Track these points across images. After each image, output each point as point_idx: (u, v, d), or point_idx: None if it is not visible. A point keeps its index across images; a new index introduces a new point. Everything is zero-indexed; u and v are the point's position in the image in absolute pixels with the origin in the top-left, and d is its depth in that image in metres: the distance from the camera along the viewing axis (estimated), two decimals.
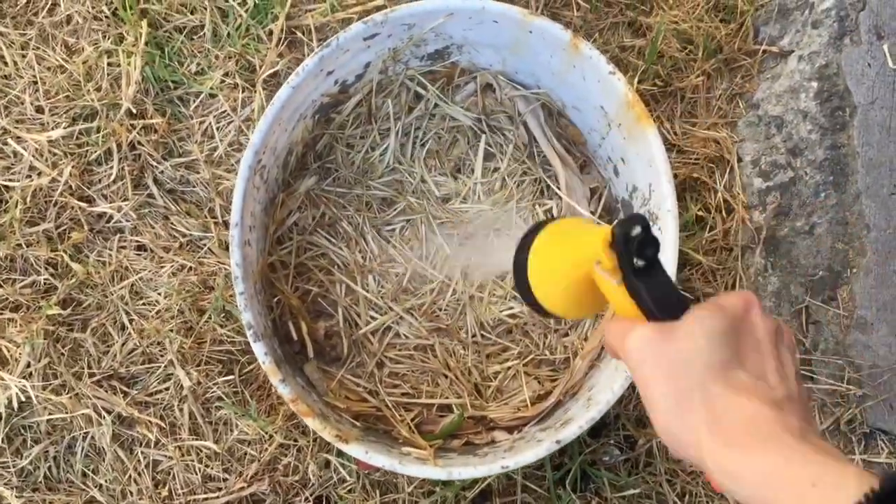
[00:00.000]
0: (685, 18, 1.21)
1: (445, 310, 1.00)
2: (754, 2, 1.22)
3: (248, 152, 0.84)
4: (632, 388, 1.10)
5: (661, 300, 0.53)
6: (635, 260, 0.53)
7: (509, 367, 0.96)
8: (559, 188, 1.00)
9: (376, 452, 0.77)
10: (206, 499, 1.07)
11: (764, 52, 1.19)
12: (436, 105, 1.02)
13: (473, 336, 0.98)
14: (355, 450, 0.77)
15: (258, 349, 0.79)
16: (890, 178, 1.04)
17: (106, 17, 1.16)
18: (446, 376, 0.96)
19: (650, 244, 0.53)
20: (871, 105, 1.06)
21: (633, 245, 0.52)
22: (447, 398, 0.94)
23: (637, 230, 0.53)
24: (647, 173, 0.89)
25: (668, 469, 1.09)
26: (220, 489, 1.08)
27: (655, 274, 0.54)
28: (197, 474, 1.08)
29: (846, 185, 1.05)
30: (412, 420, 0.91)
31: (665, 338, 0.50)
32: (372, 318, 0.97)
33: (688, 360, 0.48)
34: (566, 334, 0.99)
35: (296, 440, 1.08)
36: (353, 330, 0.97)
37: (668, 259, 0.84)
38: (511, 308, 0.99)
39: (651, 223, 0.90)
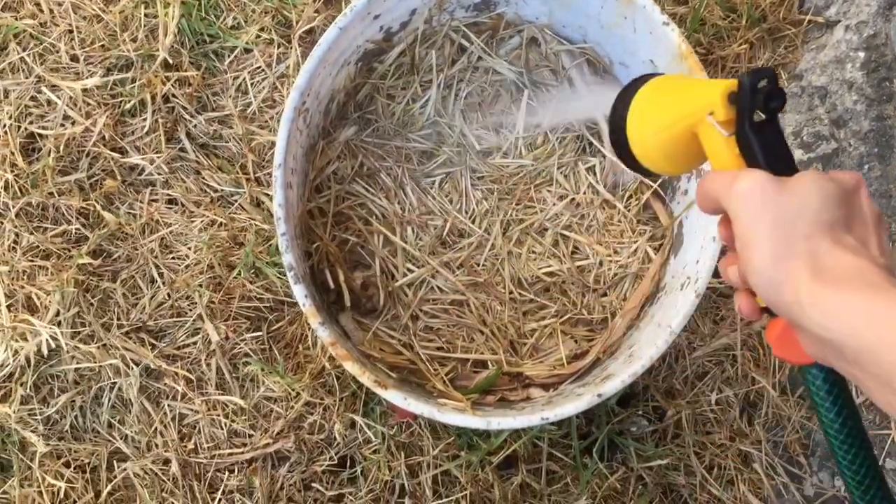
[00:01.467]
0: None
1: (483, 265, 0.99)
2: None
3: (294, 93, 0.83)
4: (662, 357, 1.10)
5: (775, 156, 0.53)
6: (756, 112, 0.52)
7: (546, 325, 0.95)
8: (602, 145, 0.99)
9: (415, 399, 0.76)
10: (231, 454, 1.07)
11: (809, 21, 1.17)
12: (479, 58, 1.01)
13: (510, 293, 0.97)
14: (394, 396, 0.76)
15: (298, 291, 0.78)
16: None
17: None
18: (482, 332, 0.95)
19: (777, 96, 0.53)
20: None
21: (760, 96, 0.52)
22: (482, 354, 0.93)
23: (765, 82, 0.52)
24: None
25: (696, 441, 1.08)
26: (245, 445, 1.08)
27: (772, 130, 0.53)
28: (223, 429, 1.07)
29: (891, 156, 1.03)
30: (447, 375, 0.90)
31: (779, 188, 0.49)
32: (409, 270, 0.96)
33: (799, 211, 0.48)
34: (604, 294, 0.97)
35: (322, 399, 1.07)
36: (390, 282, 0.96)
37: (714, 218, 0.82)
38: (549, 266, 0.98)
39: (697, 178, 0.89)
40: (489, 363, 0.92)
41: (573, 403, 0.77)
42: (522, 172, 1.01)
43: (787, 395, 1.05)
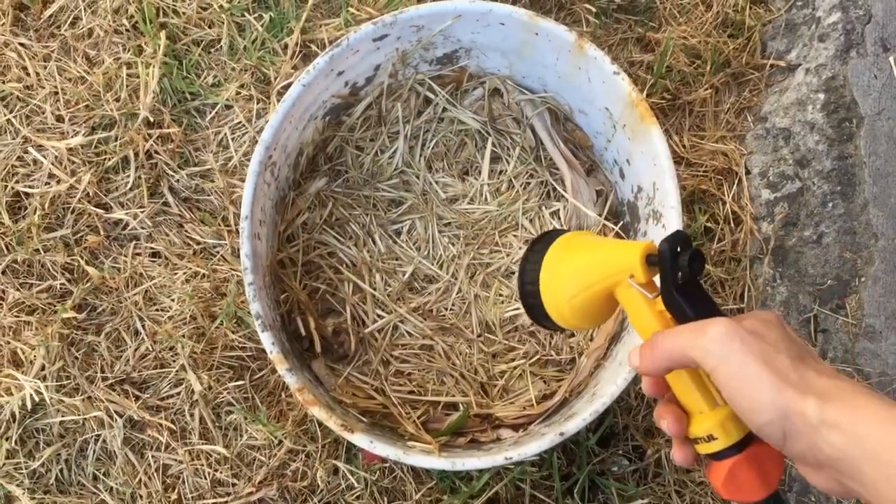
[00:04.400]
0: (693, 34, 1.23)
1: (451, 309, 1.01)
2: (762, 17, 1.23)
3: (259, 148, 0.86)
4: (641, 397, 1.11)
5: (702, 308, 0.54)
6: (679, 275, 0.54)
7: (515, 367, 0.97)
8: (565, 190, 1.02)
9: (381, 442, 0.78)
10: (214, 503, 1.08)
11: (772, 66, 1.21)
12: (444, 109, 1.04)
13: (479, 335, 0.99)
14: (360, 439, 0.78)
15: (266, 339, 0.80)
16: None
17: (126, 30, 1.20)
18: (452, 375, 0.97)
19: (697, 257, 0.54)
20: (878, 116, 1.06)
21: (682, 260, 0.54)
22: (453, 396, 0.95)
23: (684, 246, 0.54)
24: (652, 172, 0.90)
25: (676, 480, 1.08)
26: (228, 494, 1.08)
27: (694, 285, 0.55)
28: (206, 479, 1.08)
29: (853, 194, 1.06)
30: (418, 418, 0.91)
31: (742, 329, 0.50)
32: (379, 316, 0.99)
33: (775, 345, 0.50)
34: (572, 335, 0.99)
35: (304, 446, 1.08)
36: (361, 328, 0.98)
37: None
38: (517, 308, 1.00)
39: (655, 221, 0.91)
40: (460, 405, 0.94)
41: (536, 442, 0.78)
42: (488, 218, 1.04)
43: None
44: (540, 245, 0.66)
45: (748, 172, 1.17)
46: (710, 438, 0.54)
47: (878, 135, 1.06)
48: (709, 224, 1.16)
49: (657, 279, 0.56)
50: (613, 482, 1.07)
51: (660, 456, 1.09)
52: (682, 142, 1.21)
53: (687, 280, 0.54)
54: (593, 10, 1.22)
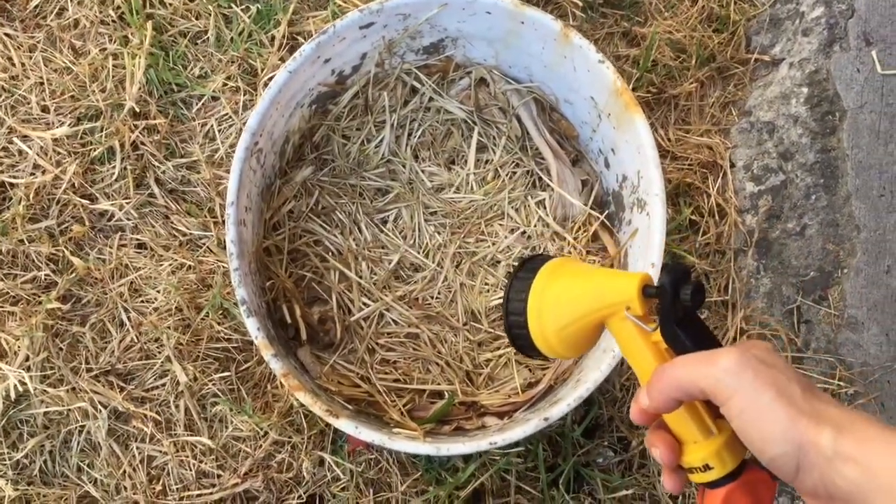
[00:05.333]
0: (679, 28, 1.24)
1: (437, 297, 1.01)
2: (746, 12, 1.24)
3: (245, 134, 0.86)
4: (626, 389, 1.12)
5: (702, 340, 0.53)
6: (680, 308, 0.53)
7: (500, 355, 0.97)
8: (551, 180, 1.02)
9: (366, 428, 0.78)
10: (199, 495, 1.07)
11: (756, 60, 1.21)
12: (431, 98, 1.05)
13: (465, 324, 0.99)
14: (345, 424, 0.78)
15: (251, 324, 0.80)
16: (879, 180, 1.05)
17: (113, 21, 1.19)
18: (438, 363, 0.97)
19: (699, 292, 0.53)
20: (861, 109, 1.07)
21: (684, 294, 0.52)
22: (438, 384, 0.95)
23: (685, 279, 0.53)
24: (636, 160, 0.90)
25: (661, 471, 1.09)
26: (213, 485, 1.08)
27: (694, 319, 0.54)
28: (191, 470, 1.08)
29: (836, 187, 1.07)
30: (404, 406, 0.91)
31: (754, 358, 0.50)
32: (364, 304, 0.99)
33: (786, 375, 0.49)
34: None
35: (290, 437, 1.08)
36: (347, 316, 0.98)
37: (656, 243, 0.85)
38: (502, 297, 1.00)
39: (639, 209, 0.92)
40: (445, 393, 0.94)
41: (521, 428, 0.79)
42: (474, 207, 1.04)
43: None
44: (525, 272, 0.63)
45: (732, 165, 1.18)
46: (706, 468, 0.54)
47: (861, 128, 1.07)
48: (693, 217, 1.16)
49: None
50: (598, 473, 1.08)
51: (644, 447, 1.09)
52: (668, 135, 1.21)
53: (687, 312, 0.54)
54: (580, 3, 1.23)
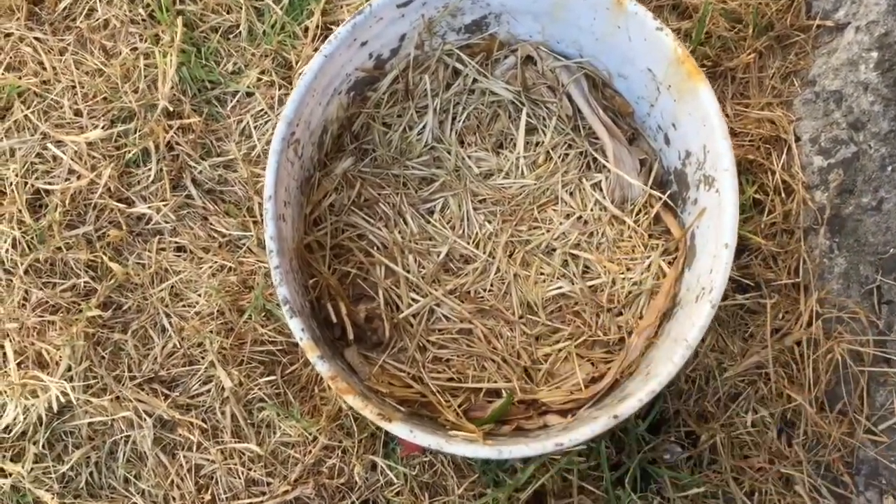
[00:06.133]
0: None
1: (490, 290, 0.96)
2: None
3: (280, 125, 0.82)
4: (692, 381, 1.05)
5: None
6: None
7: (560, 349, 0.91)
8: (607, 160, 0.96)
9: (421, 431, 0.73)
10: (249, 503, 1.04)
11: (818, 26, 1.14)
12: (475, 80, 0.99)
13: (520, 317, 0.94)
14: (399, 428, 0.73)
15: (294, 325, 0.76)
16: None
17: (143, 19, 1.16)
18: (493, 360, 0.91)
19: None
20: None
21: None
22: (495, 382, 0.89)
23: None
24: (701, 133, 0.84)
25: (734, 466, 1.02)
26: (263, 493, 1.04)
27: None
28: (240, 478, 1.04)
29: None
30: (459, 406, 0.86)
31: None
32: (413, 300, 0.94)
33: None
34: (620, 313, 0.94)
35: (340, 441, 1.04)
36: (395, 313, 0.93)
37: (728, 223, 0.78)
38: (560, 287, 0.94)
39: (707, 187, 0.85)
40: (503, 391, 0.88)
41: (588, 426, 0.73)
42: (525, 192, 0.98)
43: (825, 412, 1.00)
44: None
45: (798, 139, 1.10)
46: None
47: None
48: (757, 195, 1.09)
49: None
50: (666, 470, 1.02)
51: (715, 442, 1.03)
52: (726, 111, 1.14)
53: None
54: None
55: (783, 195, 1.09)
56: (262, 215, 1.07)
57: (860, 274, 1.00)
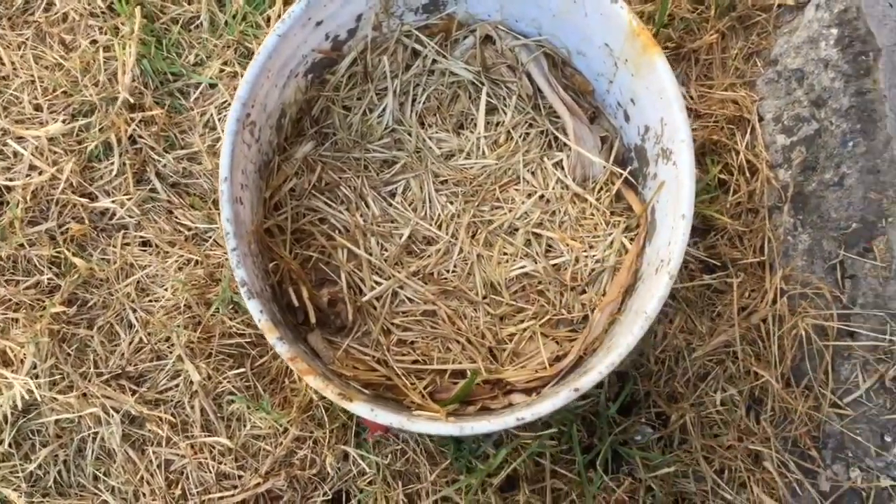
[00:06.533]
0: None
1: (453, 271, 0.95)
2: None
3: (234, 105, 0.81)
4: (661, 361, 1.06)
5: None
6: None
7: (525, 329, 0.91)
8: (568, 139, 0.96)
9: (383, 410, 0.72)
10: (221, 497, 1.03)
11: (779, 5, 1.15)
12: (434, 61, 0.99)
13: (484, 297, 0.94)
14: (360, 408, 0.72)
15: (252, 307, 0.75)
16: None
17: (102, 12, 1.15)
18: (458, 341, 0.91)
19: None
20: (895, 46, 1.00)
21: None
22: (460, 363, 0.89)
23: None
24: (658, 106, 0.84)
25: (704, 445, 1.03)
26: (235, 486, 1.04)
27: None
28: (211, 472, 1.04)
29: (875, 131, 0.99)
30: (425, 388, 0.86)
31: None
32: (376, 283, 0.93)
33: None
34: (583, 291, 0.94)
35: (312, 432, 1.04)
36: (358, 297, 0.93)
37: (685, 194, 0.79)
38: (523, 266, 0.94)
39: (665, 160, 0.86)
40: (468, 372, 0.88)
41: (550, 401, 0.73)
42: (487, 173, 0.98)
43: (791, 388, 1.00)
44: None
45: (761, 119, 1.11)
46: None
47: None
48: (722, 175, 1.10)
49: None
50: (638, 451, 1.02)
51: (685, 422, 1.03)
52: (690, 92, 1.15)
53: None
54: None
55: (748, 175, 1.10)
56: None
57: (824, 249, 1.01)
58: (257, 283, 0.79)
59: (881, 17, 1.02)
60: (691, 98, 1.14)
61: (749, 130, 1.11)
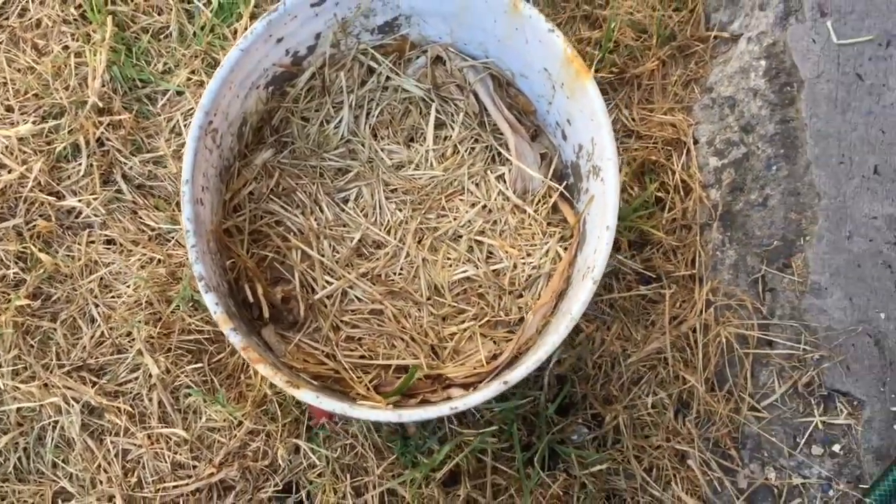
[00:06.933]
0: (639, 9, 1.25)
1: (400, 273, 1.02)
2: None
3: (198, 112, 0.87)
4: (598, 366, 1.12)
5: None
6: None
7: (465, 329, 0.98)
8: (510, 154, 1.03)
9: (327, 397, 0.78)
10: (175, 486, 1.07)
11: (716, 37, 1.23)
12: (388, 78, 1.06)
13: (428, 298, 1.00)
14: (306, 395, 0.78)
15: (209, 299, 0.81)
16: (838, 148, 1.06)
17: (75, 19, 1.20)
18: (402, 339, 0.97)
19: None
20: (818, 79, 1.09)
21: None
22: (404, 359, 0.95)
23: None
24: (590, 127, 0.91)
25: (635, 445, 1.09)
26: (189, 476, 1.08)
27: None
28: (166, 462, 1.08)
29: (796, 156, 1.08)
30: (370, 382, 0.92)
31: None
32: (327, 282, 0.99)
33: None
34: (520, 295, 1.00)
35: (265, 425, 1.08)
36: (310, 295, 0.99)
37: (610, 206, 0.86)
38: (465, 271, 1.01)
39: (595, 176, 0.92)
40: (411, 368, 0.94)
41: (482, 392, 0.79)
42: (434, 183, 1.05)
43: (715, 392, 1.08)
44: None
45: (696, 142, 1.19)
46: None
47: (818, 97, 1.08)
48: (659, 194, 1.17)
49: None
50: (574, 450, 1.08)
51: (618, 423, 1.10)
52: (632, 115, 1.22)
53: None
54: None
55: (682, 193, 1.17)
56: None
57: (748, 265, 1.09)
58: (214, 279, 0.84)
59: (805, 52, 1.10)
60: (633, 120, 1.22)
61: (685, 152, 1.19)
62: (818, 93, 1.08)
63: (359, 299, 1.00)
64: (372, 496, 1.07)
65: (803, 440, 1.02)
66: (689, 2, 1.25)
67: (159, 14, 1.21)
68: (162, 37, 1.21)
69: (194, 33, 1.20)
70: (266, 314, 0.92)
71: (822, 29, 1.10)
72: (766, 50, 1.14)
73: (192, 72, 1.19)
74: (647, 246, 1.16)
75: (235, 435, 1.09)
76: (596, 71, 1.19)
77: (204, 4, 1.20)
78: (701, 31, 1.24)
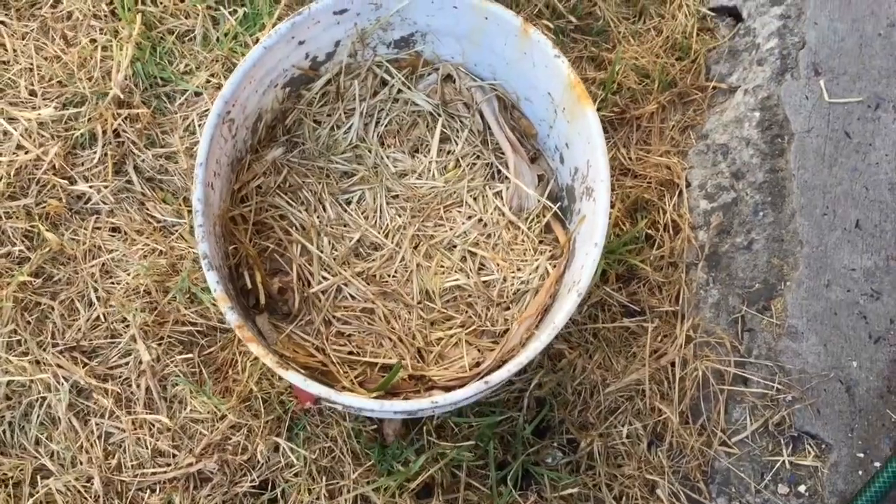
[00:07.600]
0: (643, 55, 1.31)
1: (394, 276, 1.05)
2: (707, 43, 1.32)
3: (218, 101, 0.92)
4: (578, 392, 1.15)
5: None
6: None
7: (452, 335, 1.01)
8: (509, 172, 1.08)
9: (314, 381, 0.81)
10: (154, 472, 1.09)
11: (714, 87, 1.28)
12: (399, 91, 1.11)
13: (419, 302, 1.03)
14: (294, 376, 0.81)
15: (210, 277, 0.84)
16: (823, 200, 1.11)
17: (105, 15, 1.25)
18: (390, 339, 1.01)
19: None
20: (808, 133, 1.14)
21: None
22: (390, 359, 0.98)
23: None
24: (586, 150, 0.96)
25: (607, 472, 1.12)
26: (168, 464, 1.10)
27: None
28: (147, 448, 1.09)
29: (783, 205, 1.12)
30: (355, 377, 0.95)
31: None
32: (324, 278, 1.03)
33: None
34: (507, 308, 1.04)
35: (247, 421, 1.10)
36: (306, 288, 1.02)
37: (600, 224, 0.90)
38: (457, 279, 1.05)
39: (587, 197, 0.96)
40: (396, 364, 0.97)
41: (462, 391, 0.82)
42: (434, 193, 1.09)
43: (688, 424, 1.10)
44: None
45: (688, 185, 1.23)
46: None
47: (807, 150, 1.13)
48: (649, 231, 1.21)
49: None
50: (547, 471, 1.10)
51: (593, 449, 1.12)
52: (629, 154, 1.27)
53: None
54: (552, 26, 1.30)
55: (671, 232, 1.21)
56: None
57: (729, 304, 1.12)
58: (217, 260, 0.88)
59: (797, 107, 1.15)
60: (630, 159, 1.26)
61: (677, 193, 1.23)
62: (807, 146, 1.13)
63: (352, 297, 1.03)
64: (345, 499, 1.08)
65: (770, 478, 1.04)
66: (691, 52, 1.31)
67: (186, 17, 1.26)
68: (186, 39, 1.26)
69: (218, 38, 1.25)
70: (262, 301, 0.95)
71: (816, 87, 1.16)
72: (761, 102, 1.19)
73: (212, 75, 1.24)
74: (634, 280, 1.20)
75: (218, 427, 1.10)
76: (598, 110, 1.24)
77: (230, 12, 1.25)
78: (701, 81, 1.30)
